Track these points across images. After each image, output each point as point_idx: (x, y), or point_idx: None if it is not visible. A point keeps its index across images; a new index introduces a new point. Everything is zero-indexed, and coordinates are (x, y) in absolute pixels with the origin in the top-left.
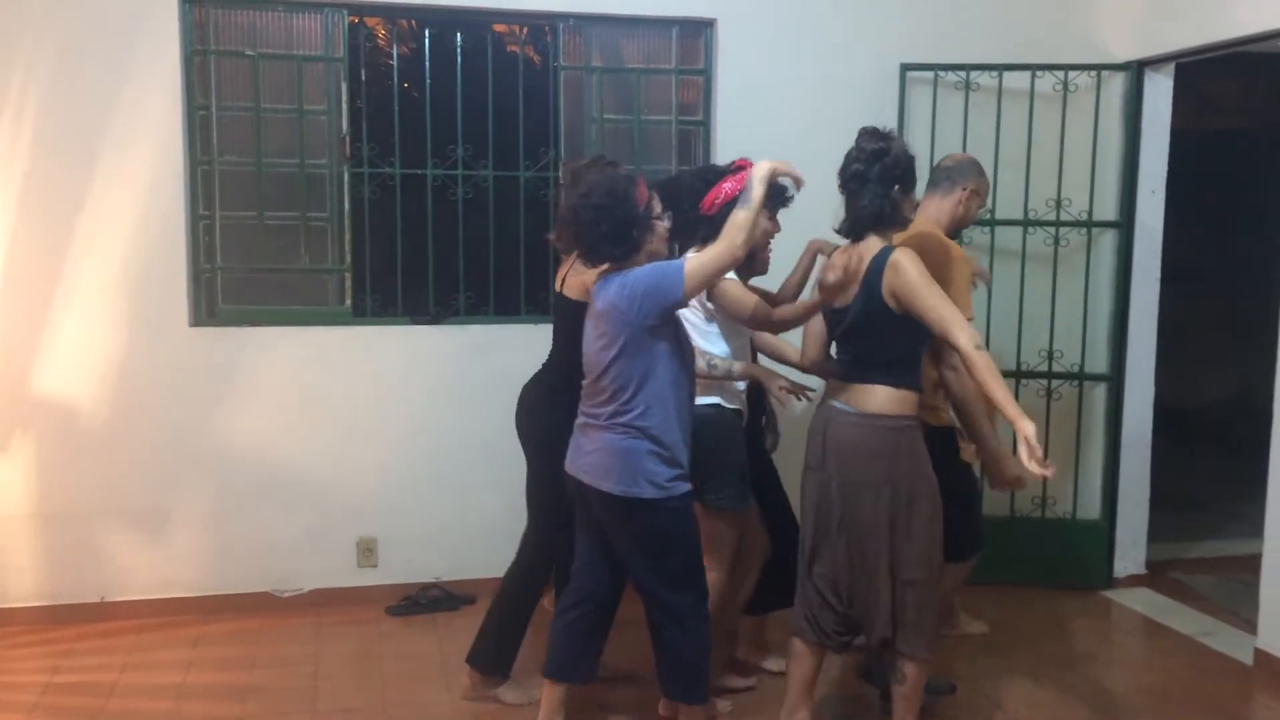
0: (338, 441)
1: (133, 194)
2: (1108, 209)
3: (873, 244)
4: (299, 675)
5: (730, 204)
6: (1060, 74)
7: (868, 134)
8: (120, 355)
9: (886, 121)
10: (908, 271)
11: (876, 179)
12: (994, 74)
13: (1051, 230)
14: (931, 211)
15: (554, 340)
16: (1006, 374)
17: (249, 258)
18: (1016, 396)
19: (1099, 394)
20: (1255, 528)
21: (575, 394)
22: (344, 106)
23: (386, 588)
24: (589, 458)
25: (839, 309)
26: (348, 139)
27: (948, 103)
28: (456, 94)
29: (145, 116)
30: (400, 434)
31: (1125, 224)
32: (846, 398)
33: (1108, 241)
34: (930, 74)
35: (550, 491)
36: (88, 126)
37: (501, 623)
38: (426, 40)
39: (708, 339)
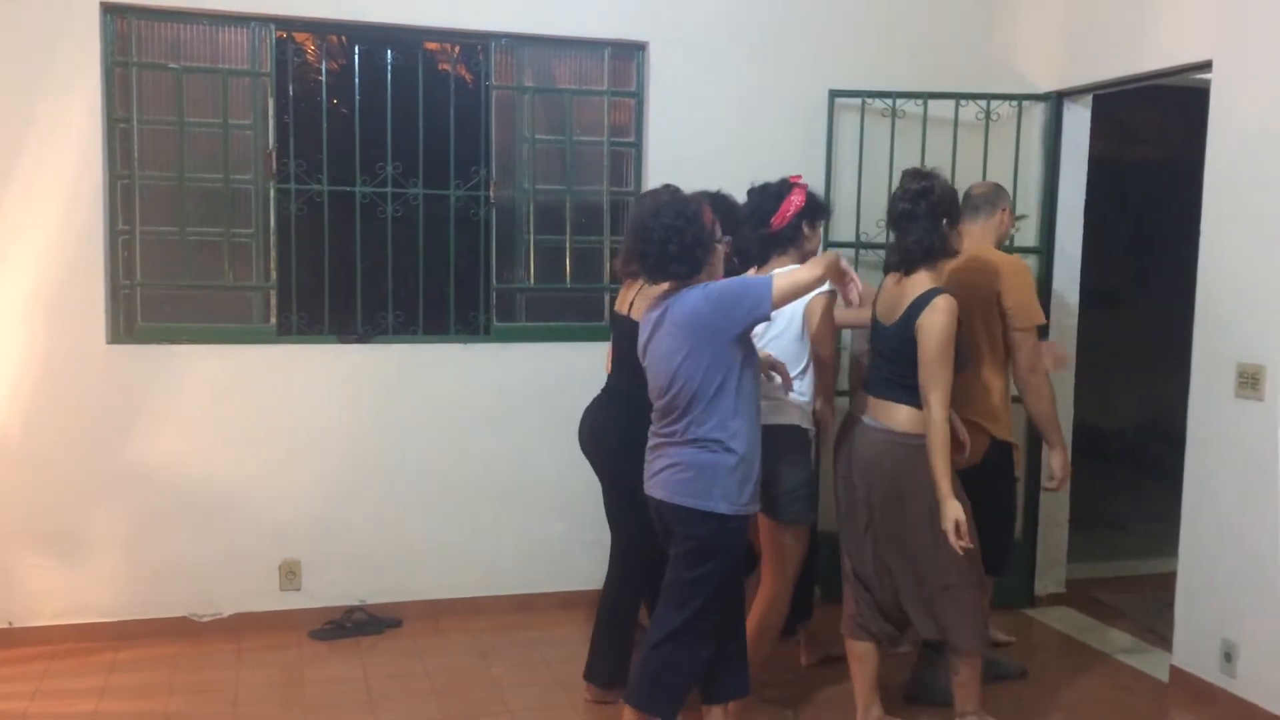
0: (260, 462)
1: (49, 207)
2: (1028, 235)
3: (921, 280)
4: (218, 702)
5: (799, 215)
6: (983, 103)
7: (911, 174)
8: (34, 373)
9: (815, 145)
10: (933, 326)
11: (925, 215)
12: (919, 102)
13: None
14: (978, 235)
15: (616, 362)
16: None
17: (170, 274)
18: None
19: (1020, 415)
20: (1171, 547)
21: (642, 412)
22: (270, 122)
23: (310, 611)
24: (663, 474)
25: (887, 327)
26: (274, 154)
27: (874, 128)
28: (386, 111)
29: (63, 128)
30: (325, 454)
31: (1045, 249)
32: (874, 413)
33: (1029, 266)
34: (858, 100)
35: (631, 510)
36: (2, 137)
37: (610, 636)
38: (356, 57)
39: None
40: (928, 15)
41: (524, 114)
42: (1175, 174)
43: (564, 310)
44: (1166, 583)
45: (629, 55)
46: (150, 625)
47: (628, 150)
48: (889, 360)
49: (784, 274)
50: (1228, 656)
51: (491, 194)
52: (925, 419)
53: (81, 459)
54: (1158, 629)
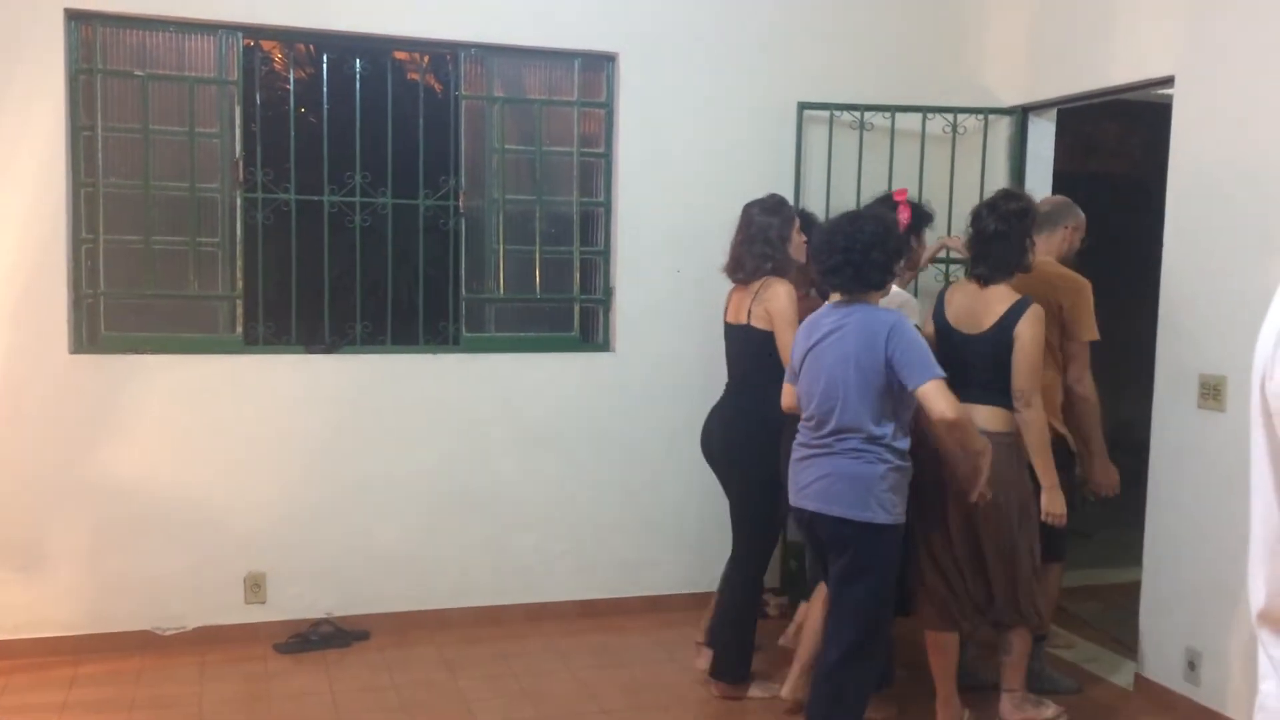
0: (226, 473)
1: (12, 215)
2: None
3: (1004, 290)
4: (181, 717)
5: (908, 231)
6: (950, 116)
7: (1006, 195)
8: None
9: (784, 157)
10: (1032, 332)
11: (1016, 234)
12: (887, 115)
13: (942, 266)
14: (1041, 248)
15: (736, 367)
16: None
17: (134, 283)
18: None
19: None
20: (1136, 557)
21: (765, 414)
22: (237, 130)
23: (275, 624)
24: (816, 485)
25: (974, 335)
26: (241, 163)
27: (843, 141)
28: (355, 120)
29: (26, 135)
30: (292, 465)
31: None
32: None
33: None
34: (826, 113)
35: (762, 509)
36: None
37: (735, 636)
38: (324, 65)
39: None
40: (896, 29)
41: (493, 124)
42: (1138, 188)
43: (534, 321)
44: (1131, 592)
45: (599, 66)
46: (112, 639)
47: (597, 161)
48: (978, 367)
49: (941, 390)
50: (1191, 665)
51: (461, 204)
52: (1023, 418)
53: (43, 469)
54: (1122, 638)
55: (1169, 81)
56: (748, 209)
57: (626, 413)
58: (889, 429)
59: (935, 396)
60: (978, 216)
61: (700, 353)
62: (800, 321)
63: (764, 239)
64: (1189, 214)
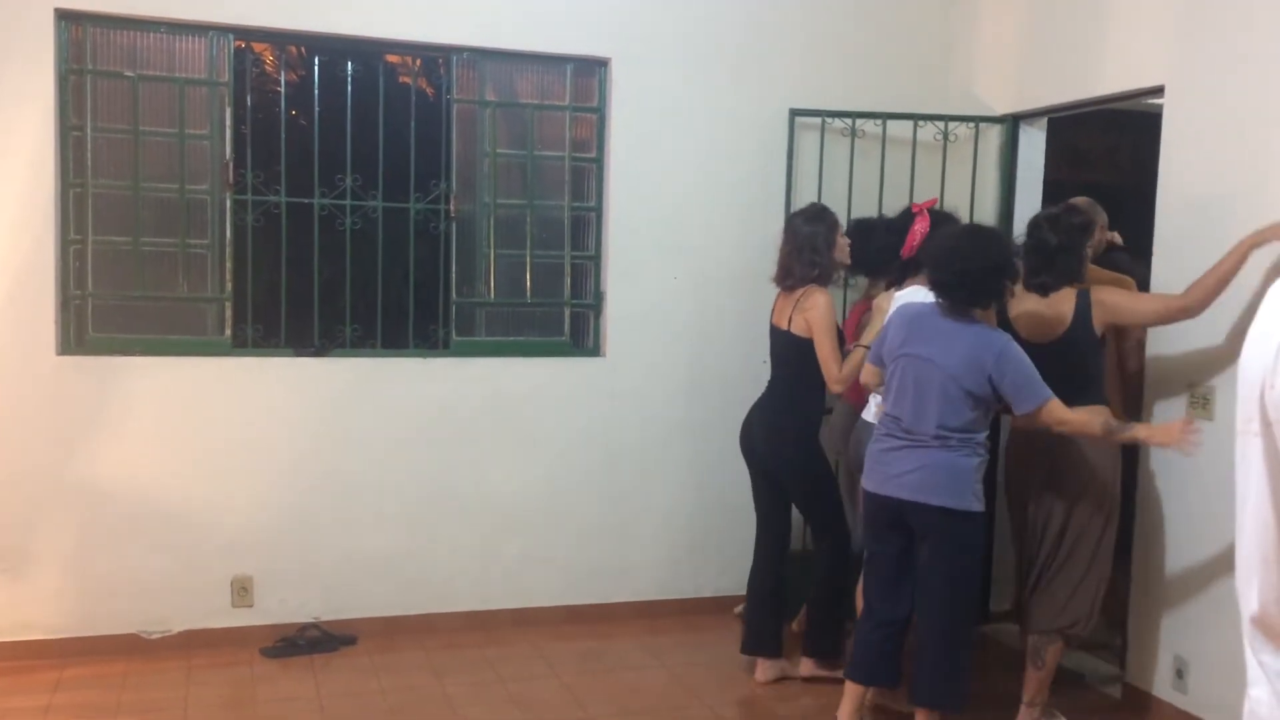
0: (214, 476)
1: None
2: None
3: (1064, 294)
4: None
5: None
6: (941, 124)
7: (1070, 209)
8: None
9: (775, 163)
10: (1110, 298)
11: (1079, 247)
12: (878, 122)
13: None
14: None
15: (778, 368)
16: None
17: (123, 285)
18: None
19: None
20: (1124, 564)
21: (808, 410)
22: (228, 132)
23: (262, 628)
24: (910, 476)
25: (1044, 346)
26: (231, 165)
27: (834, 148)
28: (346, 123)
29: (15, 135)
30: (280, 469)
31: None
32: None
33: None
34: (818, 119)
35: (828, 500)
36: None
37: (825, 612)
38: (316, 68)
39: None
40: (887, 38)
41: (485, 128)
42: (1128, 197)
43: (524, 325)
44: (1119, 599)
45: (591, 71)
46: (97, 642)
47: (589, 165)
48: (1064, 371)
49: (1058, 406)
50: (1179, 673)
51: (452, 207)
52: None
53: (29, 471)
54: (1110, 645)
55: (1159, 91)
56: (791, 220)
57: (616, 418)
58: (977, 428)
59: (1053, 416)
60: (1037, 228)
61: (690, 358)
62: (839, 328)
63: (811, 247)
64: (1178, 223)
